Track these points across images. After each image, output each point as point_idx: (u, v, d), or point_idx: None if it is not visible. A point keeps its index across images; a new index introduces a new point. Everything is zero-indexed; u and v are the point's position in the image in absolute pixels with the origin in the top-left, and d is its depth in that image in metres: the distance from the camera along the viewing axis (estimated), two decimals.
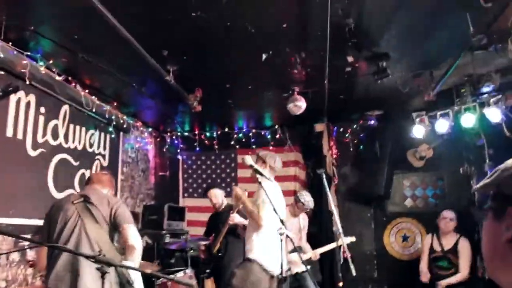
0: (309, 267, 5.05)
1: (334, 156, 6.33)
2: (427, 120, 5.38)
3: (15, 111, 3.99)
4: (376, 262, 6.24)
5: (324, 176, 3.89)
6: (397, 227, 6.22)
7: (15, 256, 3.93)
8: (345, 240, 4.43)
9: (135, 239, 2.70)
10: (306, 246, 5.23)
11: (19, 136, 4.05)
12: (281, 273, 3.30)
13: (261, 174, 3.05)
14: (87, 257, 1.97)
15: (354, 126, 6.34)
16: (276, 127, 6.61)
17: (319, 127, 6.31)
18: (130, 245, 2.66)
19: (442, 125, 5.16)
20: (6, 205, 3.80)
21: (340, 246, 4.20)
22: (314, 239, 5.52)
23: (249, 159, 3.06)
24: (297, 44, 4.02)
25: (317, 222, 6.05)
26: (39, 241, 2.65)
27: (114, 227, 2.73)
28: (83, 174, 5.01)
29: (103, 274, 1.86)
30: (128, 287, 2.58)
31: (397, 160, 6.06)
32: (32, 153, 4.21)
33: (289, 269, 4.91)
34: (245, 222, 4.32)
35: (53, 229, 2.71)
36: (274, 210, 3.03)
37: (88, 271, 2.48)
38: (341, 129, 6.43)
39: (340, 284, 3.79)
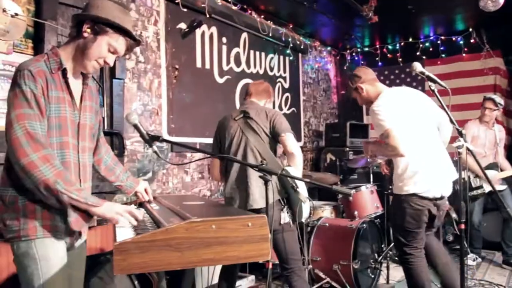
0: (505, 187, 4.52)
1: None
2: None
3: (200, 44, 4.44)
4: None
5: None
6: None
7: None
8: None
9: (294, 146, 2.80)
10: (504, 162, 4.61)
11: (207, 66, 4.52)
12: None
13: (435, 82, 2.71)
14: (252, 166, 2.15)
15: None
16: (470, 30, 5.73)
17: None
18: (290, 152, 2.78)
19: None
20: (202, 128, 4.39)
21: None
22: None
23: (419, 66, 2.74)
24: None
25: None
26: (213, 153, 2.96)
27: (274, 137, 2.85)
28: None
29: (266, 182, 2.01)
30: (292, 191, 2.72)
31: None
32: (220, 80, 4.68)
33: (481, 187, 4.46)
34: None
35: (222, 146, 2.99)
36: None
37: (254, 181, 2.73)
38: None
39: None
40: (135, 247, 1.49)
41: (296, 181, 2.64)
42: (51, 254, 1.71)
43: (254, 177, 2.74)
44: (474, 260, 4.75)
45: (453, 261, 3.29)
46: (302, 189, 2.66)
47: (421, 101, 3.04)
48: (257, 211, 2.71)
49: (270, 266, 1.99)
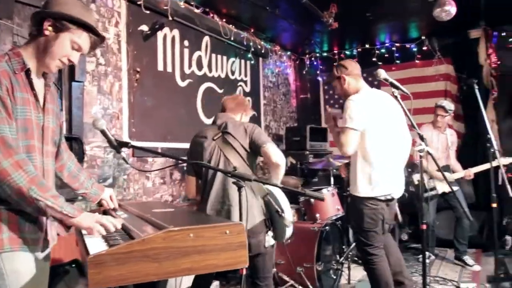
0: (457, 188, 4.75)
1: (494, 65, 5.53)
2: None
3: (162, 47, 4.36)
4: None
5: (476, 87, 3.48)
6: None
7: (178, 175, 4.51)
8: (503, 161, 3.97)
9: (278, 156, 2.65)
10: (456, 164, 4.85)
11: (169, 69, 4.45)
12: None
13: (398, 88, 2.81)
14: (225, 172, 2.13)
15: None
16: (423, 38, 5.98)
17: (474, 33, 5.51)
18: (274, 163, 2.63)
19: None
20: (164, 132, 4.32)
21: (497, 166, 3.79)
22: (468, 158, 5.07)
23: (383, 73, 2.85)
24: None
25: (471, 140, 5.52)
26: (184, 159, 2.82)
27: (255, 152, 2.73)
28: None
29: (239, 188, 1.99)
30: (277, 217, 2.61)
31: None
32: (182, 84, 4.62)
33: (434, 188, 4.68)
34: None
35: (198, 166, 2.83)
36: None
37: (237, 199, 2.59)
38: (503, 34, 5.50)
39: (494, 205, 3.46)
40: (111, 259, 1.44)
41: (282, 204, 2.58)
42: (20, 268, 1.62)
43: (236, 195, 2.50)
44: (428, 258, 4.96)
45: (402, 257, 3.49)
46: (287, 212, 2.59)
47: (396, 110, 3.13)
48: None
49: (244, 272, 1.98)
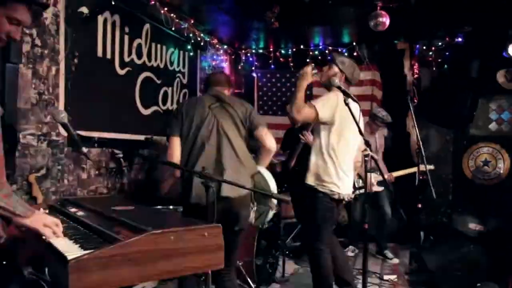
0: (382, 188, 5.14)
1: (415, 76, 6.02)
2: None
3: (102, 31, 4.14)
4: (452, 186, 6.13)
5: (409, 97, 3.80)
6: (478, 151, 5.97)
7: (113, 166, 4.33)
8: (429, 167, 4.36)
9: (273, 141, 2.72)
10: (383, 167, 5.22)
11: (108, 55, 4.23)
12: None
13: (349, 96, 2.97)
14: (195, 173, 2.11)
15: (439, 44, 5.89)
16: (354, 44, 6.32)
17: (401, 45, 5.95)
18: (268, 148, 2.68)
19: None
20: (101, 121, 4.11)
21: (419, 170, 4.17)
22: (388, 161, 5.48)
23: (336, 81, 3.00)
24: None
25: (392, 144, 5.97)
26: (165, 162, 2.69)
27: (249, 130, 2.71)
28: (165, 92, 5.24)
29: (207, 188, 2.00)
30: (262, 198, 2.65)
31: (485, 81, 5.66)
32: (121, 72, 4.42)
33: (363, 187, 4.99)
34: None
35: (187, 126, 2.69)
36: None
37: (231, 169, 2.55)
38: (424, 47, 6.00)
39: (419, 205, 3.81)
40: (94, 264, 1.39)
41: (270, 185, 2.58)
42: None
43: (229, 165, 2.55)
44: (353, 252, 5.30)
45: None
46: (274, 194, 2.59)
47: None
48: (230, 200, 2.53)
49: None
